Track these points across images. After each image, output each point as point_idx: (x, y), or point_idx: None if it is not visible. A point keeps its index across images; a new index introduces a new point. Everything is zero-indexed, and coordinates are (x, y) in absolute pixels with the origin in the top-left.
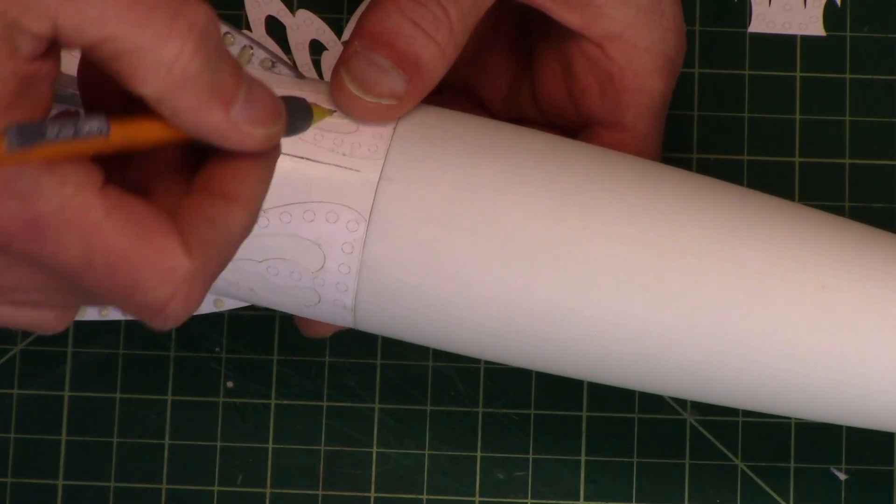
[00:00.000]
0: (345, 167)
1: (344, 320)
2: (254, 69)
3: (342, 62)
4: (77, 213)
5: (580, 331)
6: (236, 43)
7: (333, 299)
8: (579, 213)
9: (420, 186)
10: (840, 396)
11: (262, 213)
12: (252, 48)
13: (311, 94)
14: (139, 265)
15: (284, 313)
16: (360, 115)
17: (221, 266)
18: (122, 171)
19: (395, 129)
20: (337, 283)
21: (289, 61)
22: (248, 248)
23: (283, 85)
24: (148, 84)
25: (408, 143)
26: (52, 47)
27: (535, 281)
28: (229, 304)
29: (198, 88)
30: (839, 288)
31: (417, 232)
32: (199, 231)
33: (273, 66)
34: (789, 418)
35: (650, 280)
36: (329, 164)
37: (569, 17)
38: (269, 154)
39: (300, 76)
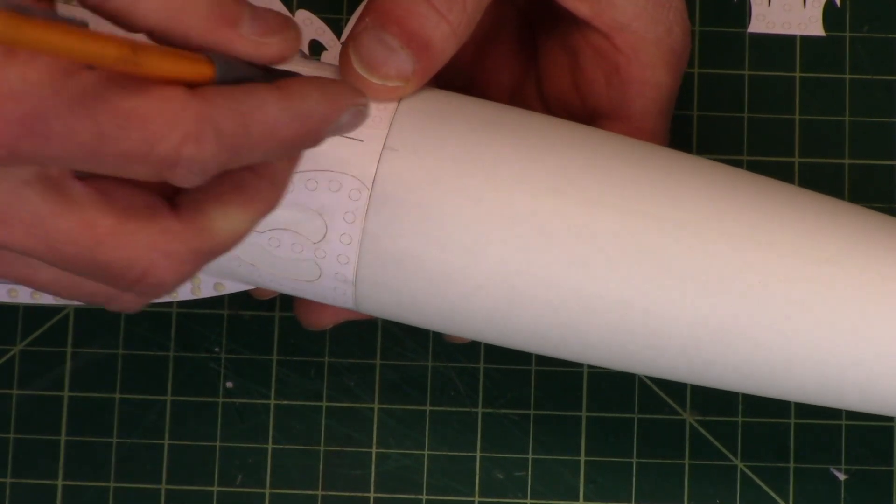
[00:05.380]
0: (348, 137)
1: (345, 296)
2: None
3: (351, 39)
4: (78, 94)
5: (582, 306)
6: None
7: (334, 272)
8: (583, 187)
9: (423, 157)
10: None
11: None
12: None
13: (317, 74)
14: (148, 117)
15: (284, 314)
16: (366, 94)
17: (231, 116)
18: None
19: (399, 101)
20: (338, 255)
21: None
22: None
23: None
24: (150, 17)
25: (412, 115)
26: None
27: (539, 253)
28: (230, 288)
29: (199, 14)
30: (843, 262)
31: (419, 201)
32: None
33: None
34: (789, 418)
35: (653, 254)
36: None
37: (578, 6)
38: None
39: (305, 56)
